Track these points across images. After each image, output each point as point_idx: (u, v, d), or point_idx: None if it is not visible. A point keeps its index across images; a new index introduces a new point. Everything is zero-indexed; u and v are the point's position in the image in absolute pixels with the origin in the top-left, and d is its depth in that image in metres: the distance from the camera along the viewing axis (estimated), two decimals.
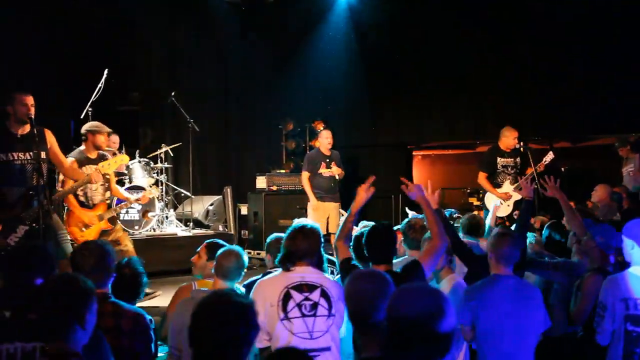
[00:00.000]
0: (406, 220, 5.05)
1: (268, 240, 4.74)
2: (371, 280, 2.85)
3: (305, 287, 3.72)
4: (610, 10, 9.34)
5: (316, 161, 8.89)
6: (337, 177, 8.87)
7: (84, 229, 6.63)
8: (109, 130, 7.02)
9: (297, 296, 3.70)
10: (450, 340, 2.16)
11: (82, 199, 6.66)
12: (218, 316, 2.42)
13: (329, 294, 3.74)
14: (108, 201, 6.97)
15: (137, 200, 7.19)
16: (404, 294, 2.26)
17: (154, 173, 9.47)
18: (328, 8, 12.21)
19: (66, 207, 6.76)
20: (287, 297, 3.69)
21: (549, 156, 8.22)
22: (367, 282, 2.85)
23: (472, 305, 3.90)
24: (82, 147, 6.79)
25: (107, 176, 6.70)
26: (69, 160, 6.35)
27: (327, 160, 8.88)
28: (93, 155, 6.71)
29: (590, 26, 9.55)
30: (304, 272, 3.78)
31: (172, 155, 10.33)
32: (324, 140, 8.98)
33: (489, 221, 6.52)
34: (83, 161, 6.62)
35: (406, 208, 7.95)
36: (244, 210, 10.87)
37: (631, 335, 3.90)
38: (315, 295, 3.71)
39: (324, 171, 8.82)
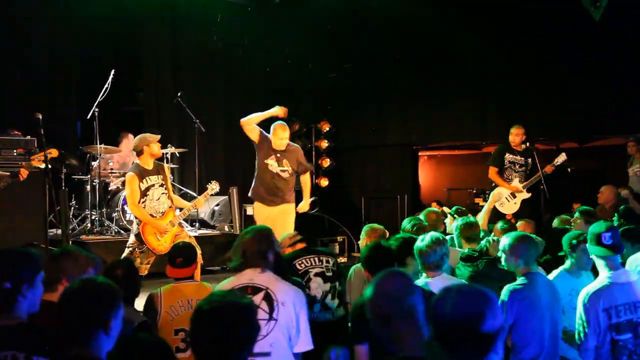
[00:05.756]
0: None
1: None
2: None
3: (249, 290, 3.67)
4: (617, 9, 9.30)
5: (265, 146, 7.54)
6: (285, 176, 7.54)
7: (159, 237, 6.73)
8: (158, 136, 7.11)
9: None
10: (491, 340, 2.19)
11: (150, 212, 6.76)
12: (218, 319, 2.41)
13: (272, 298, 3.66)
14: (172, 206, 7.04)
15: (194, 205, 7.23)
16: (445, 295, 2.29)
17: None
18: (334, 8, 12.18)
19: (138, 220, 6.80)
20: None
21: (562, 157, 8.34)
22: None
23: (524, 305, 4.05)
24: (137, 161, 6.90)
25: (165, 185, 6.89)
26: (128, 176, 6.68)
27: (279, 155, 7.51)
28: (148, 165, 6.84)
29: (597, 25, 9.51)
30: (252, 275, 3.74)
31: (178, 155, 10.34)
32: (276, 140, 7.48)
33: (481, 215, 6.68)
34: (143, 174, 6.77)
35: (444, 208, 7.98)
36: (249, 210, 10.85)
37: (618, 345, 3.88)
38: (257, 299, 3.62)
39: (270, 163, 7.49)
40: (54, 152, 6.41)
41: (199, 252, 6.70)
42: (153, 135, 7.01)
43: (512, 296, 4.11)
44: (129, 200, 6.81)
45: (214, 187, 7.23)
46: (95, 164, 9.03)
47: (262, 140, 7.56)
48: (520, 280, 4.20)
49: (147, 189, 6.77)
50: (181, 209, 7.10)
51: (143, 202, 6.74)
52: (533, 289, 4.12)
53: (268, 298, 3.64)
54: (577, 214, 6.58)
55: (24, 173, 6.27)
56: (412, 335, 2.52)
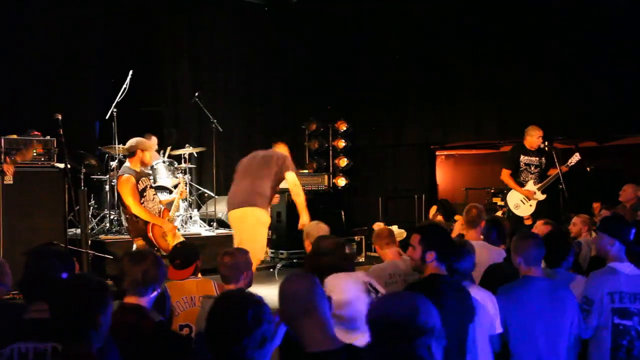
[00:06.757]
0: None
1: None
2: None
3: (368, 285, 3.84)
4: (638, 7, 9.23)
5: None
6: None
7: (165, 238, 6.76)
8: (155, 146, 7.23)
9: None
10: (422, 332, 2.30)
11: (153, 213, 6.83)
12: (239, 317, 2.38)
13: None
14: (165, 206, 7.11)
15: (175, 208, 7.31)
16: (380, 299, 2.52)
17: (178, 173, 9.52)
18: (351, 8, 12.18)
19: (143, 222, 6.80)
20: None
21: (575, 157, 8.16)
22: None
23: (502, 306, 3.96)
24: (128, 163, 6.90)
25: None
26: (125, 178, 6.61)
27: None
28: (137, 168, 6.86)
29: (615, 24, 9.43)
30: (360, 274, 4.00)
31: (195, 155, 10.38)
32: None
33: None
34: (136, 175, 6.79)
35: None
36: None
37: (618, 328, 4.00)
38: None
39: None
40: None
41: None
42: (151, 144, 7.08)
43: (500, 293, 4.03)
44: (131, 202, 6.59)
45: (185, 179, 7.44)
46: (113, 164, 9.08)
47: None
48: (513, 282, 4.14)
49: (144, 190, 6.76)
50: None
51: (142, 203, 6.70)
52: (524, 292, 4.01)
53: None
54: (602, 211, 6.60)
55: (9, 169, 6.31)
56: (316, 331, 2.58)
